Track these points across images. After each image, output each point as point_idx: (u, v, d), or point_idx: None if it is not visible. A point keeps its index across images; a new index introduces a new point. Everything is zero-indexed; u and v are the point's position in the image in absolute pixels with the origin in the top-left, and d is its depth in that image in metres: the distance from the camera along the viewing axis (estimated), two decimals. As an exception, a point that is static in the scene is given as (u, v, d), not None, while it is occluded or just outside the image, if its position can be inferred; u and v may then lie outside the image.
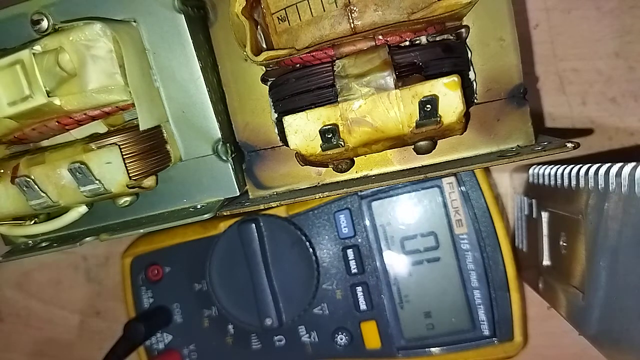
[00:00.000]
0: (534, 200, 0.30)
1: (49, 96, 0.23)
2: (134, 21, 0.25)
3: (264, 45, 0.25)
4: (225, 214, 0.26)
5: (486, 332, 0.32)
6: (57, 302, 0.45)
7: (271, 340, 0.35)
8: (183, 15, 0.25)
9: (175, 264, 0.36)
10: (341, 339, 0.34)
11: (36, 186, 0.24)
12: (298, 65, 0.24)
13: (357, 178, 0.26)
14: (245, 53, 0.24)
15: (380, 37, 0.23)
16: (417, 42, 0.24)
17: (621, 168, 0.19)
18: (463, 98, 0.21)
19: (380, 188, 0.31)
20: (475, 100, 0.25)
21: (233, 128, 0.27)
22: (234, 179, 0.27)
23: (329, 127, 0.22)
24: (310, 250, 0.33)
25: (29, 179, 0.24)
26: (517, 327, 0.32)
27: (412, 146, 0.24)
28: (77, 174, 0.24)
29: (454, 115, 0.22)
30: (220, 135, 0.26)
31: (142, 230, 0.27)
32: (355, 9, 0.23)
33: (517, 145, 0.25)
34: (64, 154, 0.24)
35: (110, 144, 0.24)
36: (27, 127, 0.25)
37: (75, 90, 0.24)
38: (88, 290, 0.44)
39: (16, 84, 0.23)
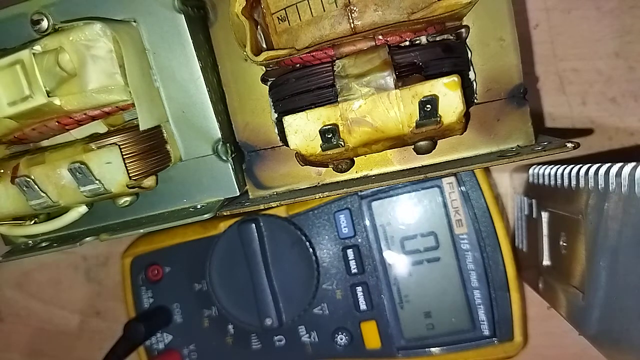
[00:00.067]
0: (534, 200, 0.30)
1: (49, 96, 0.23)
2: (134, 21, 0.25)
3: (264, 45, 0.25)
4: (225, 214, 0.26)
5: (486, 332, 0.32)
6: (57, 302, 0.45)
7: (271, 340, 0.35)
8: (183, 15, 0.25)
9: (175, 264, 0.36)
10: (341, 339, 0.34)
11: (36, 186, 0.24)
12: (298, 65, 0.24)
13: (357, 178, 0.26)
14: (245, 53, 0.24)
15: (380, 37, 0.23)
16: (417, 42, 0.24)
17: (621, 168, 0.19)
18: (463, 98, 0.21)
19: (380, 188, 0.31)
20: (475, 100, 0.25)
21: (233, 128, 0.27)
22: (234, 179, 0.27)
23: (329, 127, 0.22)
24: (310, 250, 0.33)
25: (29, 179, 0.24)
26: (517, 327, 0.32)
27: (412, 146, 0.24)
28: (77, 174, 0.24)
29: (454, 115, 0.22)
30: (220, 135, 0.26)
31: (142, 230, 0.27)
32: (355, 9, 0.23)
33: (517, 145, 0.25)
34: (64, 154, 0.24)
35: (110, 144, 0.24)
36: (27, 127, 0.25)
37: (75, 90, 0.24)
38: (88, 290, 0.44)
39: (16, 84, 0.23)
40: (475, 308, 0.32)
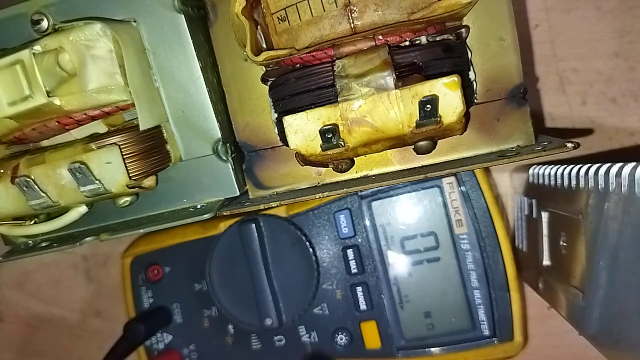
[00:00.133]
0: (534, 200, 0.30)
1: (49, 96, 0.23)
2: (134, 21, 0.25)
3: (264, 45, 0.25)
4: (225, 214, 0.26)
5: (486, 332, 0.32)
6: (57, 302, 0.45)
7: (271, 340, 0.35)
8: (183, 15, 0.25)
9: (175, 264, 0.36)
10: (341, 339, 0.34)
11: (36, 186, 0.24)
12: (298, 65, 0.24)
13: (357, 178, 0.26)
14: (245, 53, 0.24)
15: (380, 37, 0.23)
16: (417, 42, 0.24)
17: (621, 168, 0.19)
18: (463, 98, 0.21)
19: (380, 188, 0.31)
20: (475, 100, 0.25)
21: (233, 128, 0.27)
22: (234, 179, 0.27)
23: (329, 127, 0.22)
24: (310, 250, 0.33)
25: (29, 179, 0.24)
26: (517, 327, 0.32)
27: (412, 146, 0.24)
28: (77, 174, 0.24)
29: (454, 115, 0.22)
30: (220, 135, 0.26)
31: (142, 230, 0.27)
32: (355, 9, 0.23)
33: (517, 145, 0.24)
34: (64, 154, 0.24)
35: (110, 144, 0.24)
36: (27, 127, 0.25)
37: (75, 90, 0.24)
38: (88, 290, 0.44)
39: (16, 84, 0.23)
40: (475, 308, 0.32)
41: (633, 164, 0.18)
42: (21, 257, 0.28)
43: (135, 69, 0.24)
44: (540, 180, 0.28)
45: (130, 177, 0.24)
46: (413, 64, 0.23)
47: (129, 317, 0.36)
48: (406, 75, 0.23)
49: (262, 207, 0.26)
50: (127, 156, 0.24)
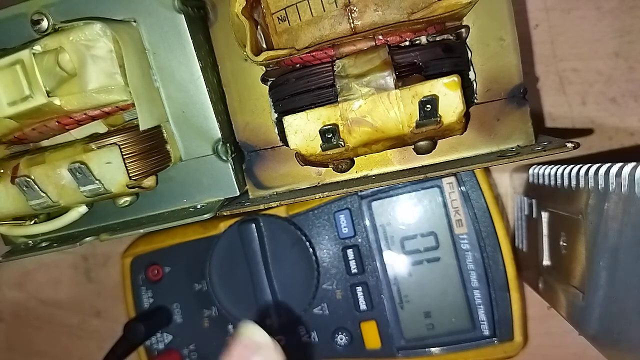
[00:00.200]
0: (534, 200, 0.30)
1: (49, 96, 0.23)
2: (134, 21, 0.25)
3: (264, 45, 0.25)
4: (225, 214, 0.26)
5: (486, 332, 0.32)
6: (57, 302, 0.45)
7: (271, 340, 0.35)
8: (183, 15, 0.25)
9: (175, 264, 0.36)
10: (341, 339, 0.34)
11: (36, 186, 0.24)
12: (298, 65, 0.24)
13: (357, 178, 0.26)
14: (245, 53, 0.24)
15: (380, 37, 0.23)
16: (417, 42, 0.24)
17: (621, 168, 0.19)
18: (463, 98, 0.21)
19: (380, 188, 0.31)
20: (475, 100, 0.25)
21: (233, 128, 0.27)
22: (234, 179, 0.27)
23: (329, 127, 0.22)
24: (310, 250, 0.33)
25: (29, 179, 0.24)
26: (517, 327, 0.32)
27: (412, 146, 0.24)
28: (77, 174, 0.24)
29: (454, 115, 0.22)
30: (220, 135, 0.26)
31: (142, 230, 0.27)
32: (355, 9, 0.23)
33: (517, 145, 0.25)
34: (64, 154, 0.24)
35: (110, 144, 0.24)
36: (27, 127, 0.25)
37: (75, 90, 0.24)
38: (88, 290, 0.44)
39: (16, 84, 0.23)
40: (475, 308, 0.32)
41: (633, 164, 0.18)
42: (21, 257, 0.28)
43: (135, 69, 0.24)
44: (540, 180, 0.28)
45: (130, 177, 0.24)
46: (413, 64, 0.23)
47: (129, 317, 0.36)
48: (406, 75, 0.23)
49: (262, 207, 0.26)
50: (127, 156, 0.24)
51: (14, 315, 0.46)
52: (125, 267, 0.37)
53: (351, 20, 0.23)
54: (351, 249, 0.33)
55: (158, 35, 0.25)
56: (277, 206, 0.30)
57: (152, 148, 0.26)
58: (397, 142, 0.24)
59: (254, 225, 0.33)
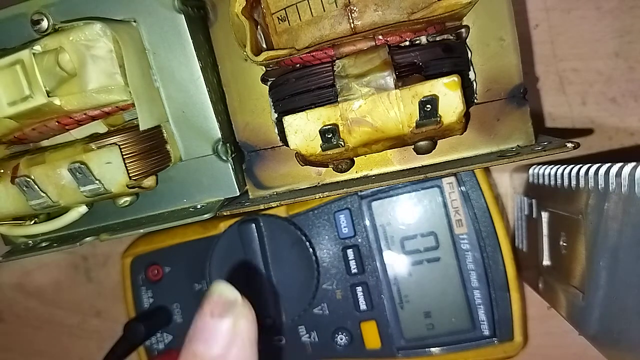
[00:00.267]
0: (534, 200, 0.30)
1: (49, 96, 0.23)
2: (134, 21, 0.25)
3: (264, 45, 0.25)
4: (225, 214, 0.26)
5: (486, 332, 0.32)
6: (57, 302, 0.45)
7: (271, 340, 0.35)
8: (183, 15, 0.25)
9: (175, 264, 0.36)
10: (341, 339, 0.34)
11: (36, 186, 0.24)
12: (298, 65, 0.24)
13: (357, 178, 0.26)
14: (245, 53, 0.24)
15: (380, 37, 0.23)
16: (417, 42, 0.24)
17: (621, 168, 0.19)
18: (463, 98, 0.21)
19: (380, 188, 0.31)
20: (475, 100, 0.25)
21: (233, 128, 0.27)
22: (234, 179, 0.27)
23: (329, 127, 0.22)
24: (310, 250, 0.33)
25: (29, 179, 0.24)
26: (517, 327, 0.32)
27: (412, 146, 0.24)
28: (77, 174, 0.24)
29: (454, 115, 0.22)
30: (220, 135, 0.26)
31: (142, 230, 0.27)
32: (355, 9, 0.23)
33: (517, 145, 0.24)
34: (64, 154, 0.24)
35: (110, 144, 0.24)
36: (27, 127, 0.25)
37: (75, 90, 0.24)
38: (88, 290, 0.44)
39: (16, 84, 0.23)
40: (475, 308, 0.32)
41: (633, 164, 0.18)
42: (21, 257, 0.28)
43: (135, 69, 0.24)
44: (540, 180, 0.28)
45: (130, 177, 0.24)
46: (413, 64, 0.23)
47: (129, 317, 0.36)
48: (406, 75, 0.23)
49: (262, 207, 0.26)
50: (127, 156, 0.24)
51: (14, 315, 0.46)
52: (125, 267, 0.37)
53: (351, 20, 0.23)
54: (351, 249, 0.33)
55: (158, 35, 0.25)
56: (277, 206, 0.30)
57: (152, 148, 0.26)
58: (397, 142, 0.24)
59: (254, 225, 0.33)
